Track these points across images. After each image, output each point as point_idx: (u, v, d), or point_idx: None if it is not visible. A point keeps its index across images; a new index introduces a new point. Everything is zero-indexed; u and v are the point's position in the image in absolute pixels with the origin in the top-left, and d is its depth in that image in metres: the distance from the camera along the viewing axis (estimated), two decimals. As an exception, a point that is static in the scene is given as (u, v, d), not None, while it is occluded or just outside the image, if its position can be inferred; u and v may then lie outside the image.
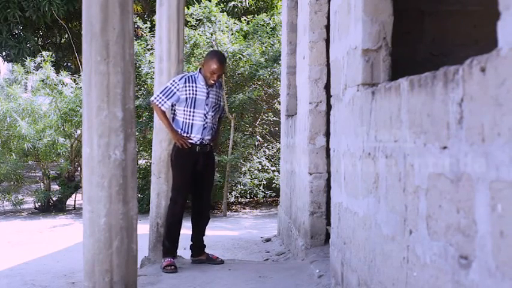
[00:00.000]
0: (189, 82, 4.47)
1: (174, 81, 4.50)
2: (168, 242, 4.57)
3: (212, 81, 4.49)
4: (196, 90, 4.47)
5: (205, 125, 4.51)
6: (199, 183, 4.59)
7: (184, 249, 5.10)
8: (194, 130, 4.47)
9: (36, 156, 10.47)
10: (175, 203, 4.54)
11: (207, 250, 4.85)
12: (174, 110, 4.53)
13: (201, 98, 4.49)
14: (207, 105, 4.51)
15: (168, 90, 4.46)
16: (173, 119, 4.54)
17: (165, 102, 4.45)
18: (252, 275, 4.32)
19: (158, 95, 4.47)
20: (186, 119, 4.47)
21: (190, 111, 4.47)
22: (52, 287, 4.97)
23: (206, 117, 4.51)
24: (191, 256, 4.78)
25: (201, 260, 4.71)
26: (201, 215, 4.70)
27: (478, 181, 1.50)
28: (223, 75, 4.62)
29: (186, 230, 4.85)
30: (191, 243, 4.76)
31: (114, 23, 2.90)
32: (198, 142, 4.49)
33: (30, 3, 13.38)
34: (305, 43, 5.16)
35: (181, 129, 4.48)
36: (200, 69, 4.56)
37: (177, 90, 4.45)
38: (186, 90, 4.45)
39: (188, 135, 4.48)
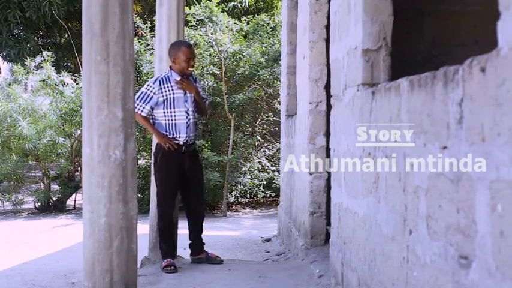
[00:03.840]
0: (163, 83, 4.44)
1: (148, 85, 4.47)
2: (164, 244, 4.56)
3: (190, 69, 4.49)
4: (172, 90, 4.44)
5: (189, 123, 4.48)
6: (188, 184, 4.58)
7: (184, 249, 5.10)
8: (179, 130, 4.45)
9: (36, 156, 10.46)
10: (163, 205, 4.53)
11: (206, 250, 4.84)
12: (153, 115, 4.49)
13: (180, 96, 4.46)
14: (186, 101, 4.48)
15: (144, 95, 4.43)
16: (154, 123, 4.51)
17: (143, 107, 4.42)
18: (252, 275, 4.32)
19: (135, 102, 4.41)
20: (168, 120, 4.44)
21: (171, 112, 4.44)
22: (52, 287, 4.97)
23: (188, 114, 4.48)
24: (190, 255, 4.77)
25: (201, 258, 4.70)
26: (195, 214, 4.69)
27: (478, 181, 1.50)
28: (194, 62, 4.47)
29: (185, 230, 4.85)
30: (190, 242, 4.75)
31: (114, 23, 2.90)
32: (184, 142, 4.47)
33: (30, 3, 13.39)
34: (305, 43, 5.16)
35: (166, 131, 4.46)
36: (170, 67, 4.53)
37: (154, 93, 4.42)
38: (162, 92, 4.42)
39: (174, 137, 4.46)
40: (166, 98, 4.42)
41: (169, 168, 4.47)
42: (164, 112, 4.45)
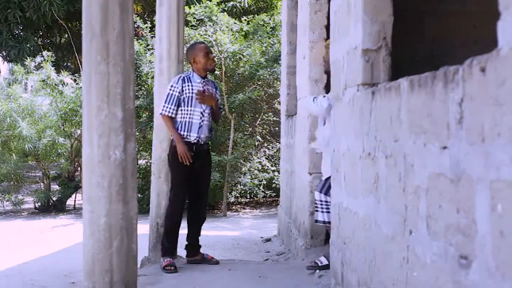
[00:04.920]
0: (185, 82, 4.52)
1: (172, 86, 4.51)
2: (167, 242, 4.56)
3: (213, 64, 4.62)
4: (192, 89, 4.51)
5: (202, 123, 4.52)
6: (197, 184, 4.59)
7: (184, 249, 5.10)
8: (190, 129, 4.48)
9: (36, 156, 10.47)
10: (174, 203, 4.54)
11: (206, 250, 4.84)
12: None
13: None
14: None
15: (171, 97, 4.49)
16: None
17: (172, 109, 4.48)
18: (252, 275, 4.32)
19: (165, 105, 4.48)
20: (183, 118, 4.49)
21: (188, 110, 4.49)
22: (52, 287, 4.97)
23: (203, 115, 4.53)
24: (186, 256, 4.76)
25: (196, 260, 4.70)
26: (198, 215, 4.70)
27: (478, 181, 1.50)
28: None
29: (183, 229, 4.84)
30: (186, 243, 4.75)
31: (114, 23, 2.90)
32: (194, 142, 4.49)
33: (30, 3, 13.39)
34: (305, 43, 5.16)
35: (179, 129, 4.48)
36: (192, 68, 4.59)
37: (178, 92, 4.49)
38: (184, 90, 4.49)
39: (186, 135, 4.48)
40: (186, 96, 4.49)
41: (180, 167, 4.49)
42: (181, 110, 4.50)
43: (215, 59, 9.94)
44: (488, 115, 1.44)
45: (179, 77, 4.55)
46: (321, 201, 4.20)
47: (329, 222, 4.06)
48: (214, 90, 4.69)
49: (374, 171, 2.53)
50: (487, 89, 1.43)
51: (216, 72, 10.13)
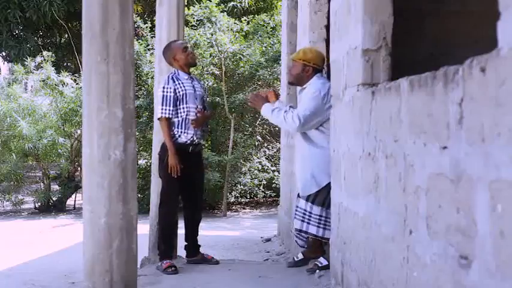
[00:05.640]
0: (175, 81, 4.50)
1: (164, 87, 4.47)
2: (163, 244, 4.54)
3: (194, 57, 4.65)
4: (184, 86, 4.49)
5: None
6: (190, 184, 4.57)
7: (184, 249, 5.10)
8: (188, 126, 4.47)
9: (36, 156, 10.47)
10: (167, 205, 4.52)
11: (206, 250, 4.84)
12: None
13: (191, 92, 4.50)
14: (196, 98, 4.53)
15: (167, 99, 4.44)
16: None
17: (169, 110, 4.44)
18: (252, 275, 4.32)
19: (162, 108, 4.43)
20: (180, 116, 4.47)
21: (182, 108, 4.47)
22: (52, 287, 4.96)
23: (198, 111, 4.52)
24: (186, 256, 4.75)
25: (196, 260, 4.69)
26: (194, 216, 4.69)
27: (478, 181, 1.50)
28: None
29: (181, 230, 4.84)
30: (185, 243, 4.74)
31: (114, 23, 2.90)
32: (190, 141, 4.48)
33: (30, 3, 13.39)
34: (305, 43, 5.16)
35: (176, 128, 4.47)
36: (174, 67, 4.59)
37: (173, 92, 4.45)
38: (176, 89, 4.47)
39: (183, 132, 4.47)
40: (180, 94, 4.48)
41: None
42: (177, 109, 4.47)
43: (215, 59, 10.03)
44: (488, 115, 1.44)
45: (168, 77, 4.51)
46: (305, 210, 4.22)
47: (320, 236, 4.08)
48: (200, 86, 4.67)
49: (374, 171, 2.53)
50: (487, 89, 1.43)
51: (216, 72, 10.13)
